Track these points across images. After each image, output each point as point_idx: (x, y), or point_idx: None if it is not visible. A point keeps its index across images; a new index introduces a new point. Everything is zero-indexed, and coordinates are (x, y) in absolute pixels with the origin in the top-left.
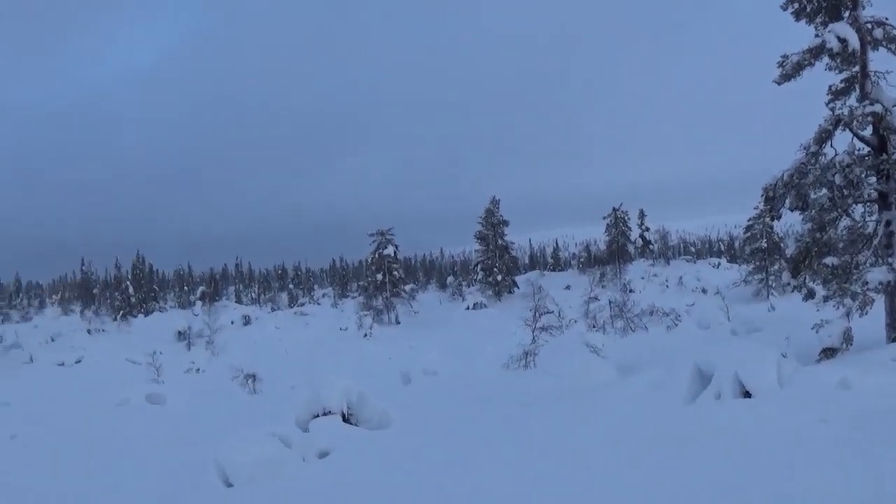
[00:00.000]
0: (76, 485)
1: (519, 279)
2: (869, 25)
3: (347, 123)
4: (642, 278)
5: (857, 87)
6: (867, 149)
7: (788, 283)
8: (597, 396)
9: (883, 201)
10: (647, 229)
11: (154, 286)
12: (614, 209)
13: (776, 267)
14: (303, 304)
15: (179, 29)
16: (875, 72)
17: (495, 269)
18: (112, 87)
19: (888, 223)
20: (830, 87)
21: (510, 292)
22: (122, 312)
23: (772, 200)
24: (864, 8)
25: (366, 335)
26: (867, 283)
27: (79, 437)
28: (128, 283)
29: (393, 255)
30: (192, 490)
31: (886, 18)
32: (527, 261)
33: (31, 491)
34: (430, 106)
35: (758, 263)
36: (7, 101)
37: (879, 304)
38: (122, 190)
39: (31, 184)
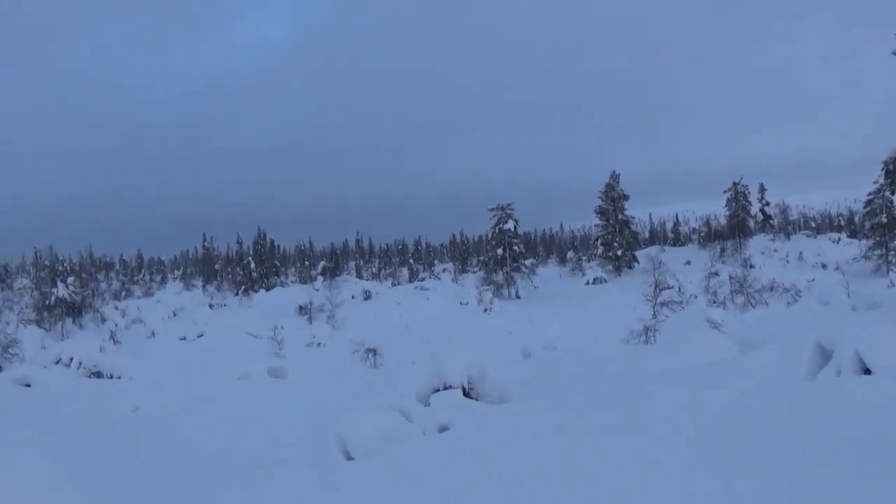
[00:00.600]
0: (195, 457)
1: (639, 254)
2: None
3: (468, 100)
4: (762, 253)
5: None
6: None
7: None
8: (717, 372)
9: None
10: (768, 203)
11: (275, 261)
12: (734, 183)
13: None
14: (423, 279)
15: (311, 3)
16: None
17: (615, 244)
18: (244, 64)
19: None
20: None
21: (630, 267)
22: (243, 287)
23: (892, 174)
24: None
25: (486, 310)
26: None
27: (200, 410)
28: (249, 258)
29: (513, 229)
30: (313, 463)
31: None
32: (647, 235)
33: (153, 462)
34: (551, 82)
35: (878, 239)
36: (146, 83)
37: None
38: (246, 166)
39: (156, 162)
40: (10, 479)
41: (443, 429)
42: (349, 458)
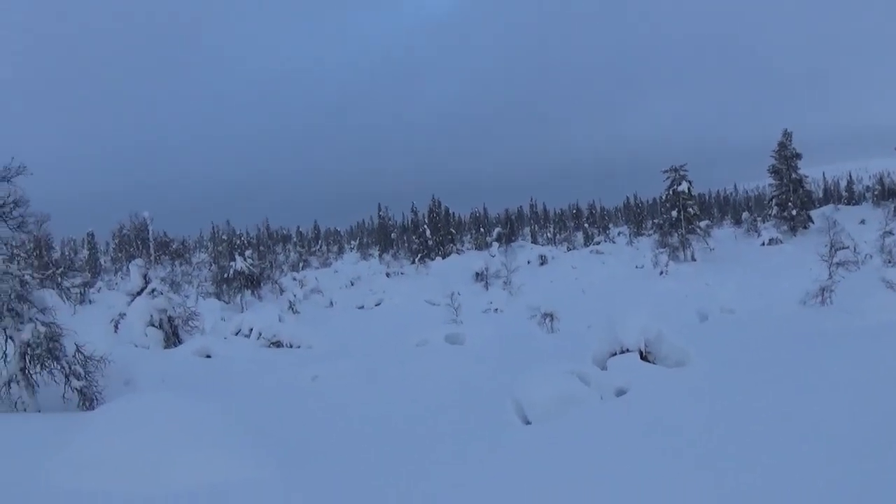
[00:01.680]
0: (372, 424)
1: (813, 213)
2: None
3: (640, 63)
4: None
5: None
6: None
7: None
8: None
9: None
10: None
11: (450, 229)
12: None
13: None
14: (598, 243)
15: None
16: None
17: (789, 204)
18: (414, 36)
19: None
20: None
21: (805, 227)
22: (419, 255)
23: None
24: None
25: (661, 273)
26: None
27: (379, 377)
28: (425, 226)
29: (687, 191)
30: (492, 428)
31: None
32: (820, 195)
33: (333, 429)
34: (721, 44)
35: None
36: (324, 59)
37: None
38: (419, 136)
39: (332, 135)
40: (199, 445)
41: (620, 392)
42: (527, 422)
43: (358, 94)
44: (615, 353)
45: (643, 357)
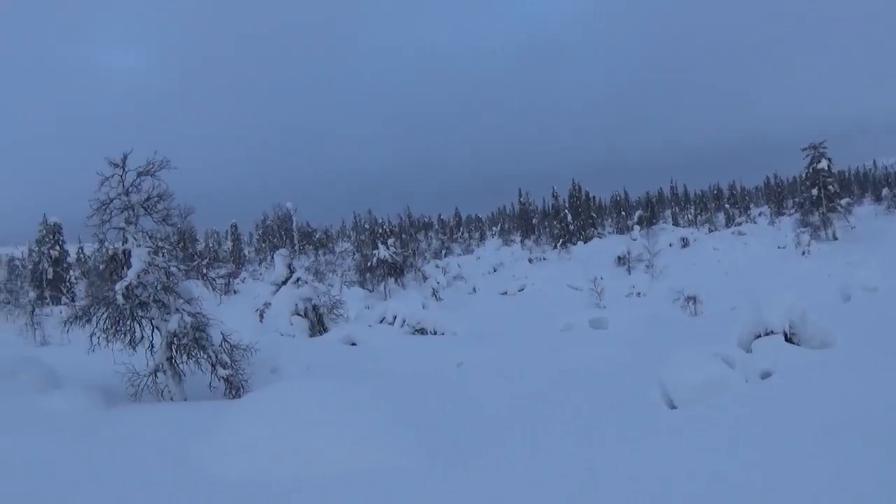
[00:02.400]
0: (519, 408)
1: None
2: None
3: (776, 41)
4: None
5: None
6: None
7: None
8: None
9: None
10: None
11: (591, 213)
12: None
13: None
14: (739, 224)
15: None
16: None
17: None
18: (558, 23)
19: None
20: None
21: None
22: (561, 240)
23: None
24: None
25: (803, 253)
26: None
27: (524, 363)
28: (566, 211)
29: (827, 168)
30: (637, 412)
31: None
32: None
33: (480, 416)
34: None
35: None
36: (465, 44)
37: None
38: (557, 120)
39: (472, 122)
40: (346, 431)
41: (765, 375)
42: (672, 406)
43: (503, 80)
44: (759, 335)
45: (787, 339)
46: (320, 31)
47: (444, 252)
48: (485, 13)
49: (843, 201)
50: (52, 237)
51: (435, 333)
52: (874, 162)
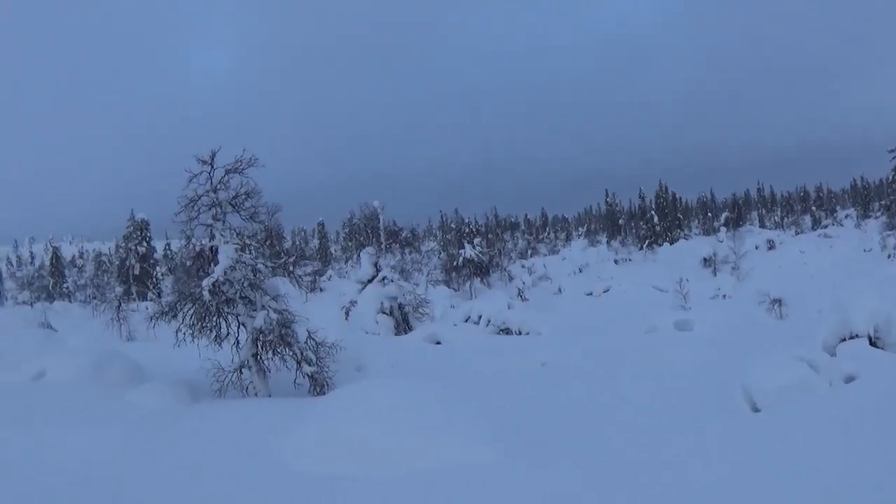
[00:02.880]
0: (601, 409)
1: None
2: None
3: (862, 38)
4: None
5: None
6: None
7: None
8: None
9: None
10: None
11: (678, 214)
12: None
13: None
14: (825, 226)
15: None
16: None
17: None
18: (633, 19)
19: None
20: None
21: None
22: (647, 242)
23: None
24: None
25: (889, 256)
26: None
27: (608, 363)
28: (652, 212)
29: None
30: (720, 413)
31: None
32: None
33: (564, 415)
34: None
35: None
36: (545, 42)
37: None
38: (645, 121)
39: (555, 120)
40: (430, 428)
41: (849, 379)
42: (755, 409)
43: (584, 78)
44: (844, 339)
45: (872, 343)
46: (408, 29)
47: (529, 252)
48: (566, 10)
49: None
50: (139, 233)
51: (520, 333)
52: None
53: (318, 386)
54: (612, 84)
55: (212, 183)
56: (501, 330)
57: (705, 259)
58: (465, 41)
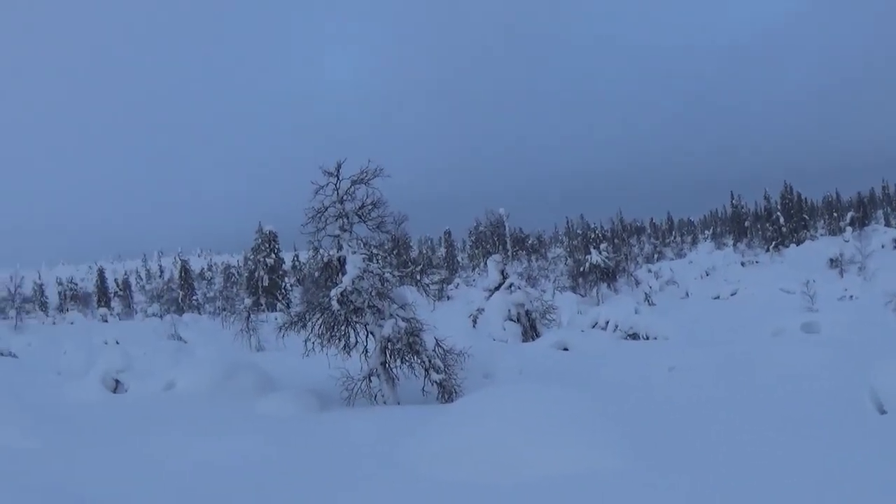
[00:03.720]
0: (727, 412)
1: None
2: None
3: None
4: None
5: None
6: None
7: None
8: None
9: None
10: None
11: (803, 215)
12: None
13: None
14: None
15: None
16: None
17: None
18: (764, 21)
19: None
20: None
21: None
22: (773, 243)
23: None
24: None
25: None
26: None
27: (735, 367)
28: (778, 213)
29: None
30: (845, 416)
31: None
32: None
33: (692, 421)
34: None
35: None
36: (674, 42)
37: None
38: (775, 122)
39: (682, 122)
40: (559, 435)
41: None
42: (882, 411)
43: (714, 79)
44: None
45: None
46: (530, 29)
47: (656, 256)
48: (699, 11)
49: None
50: (267, 245)
51: (647, 338)
52: None
53: (447, 393)
54: (742, 84)
55: (338, 194)
56: (628, 335)
57: (832, 260)
58: (590, 42)
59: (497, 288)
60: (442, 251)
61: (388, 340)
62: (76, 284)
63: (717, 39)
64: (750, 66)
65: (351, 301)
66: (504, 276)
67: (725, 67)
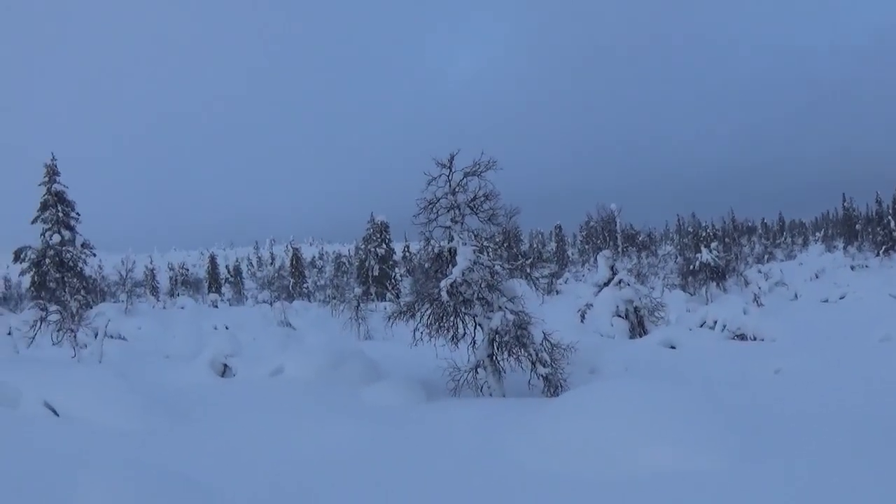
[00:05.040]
0: (833, 420)
1: None
2: None
3: None
4: None
5: None
6: None
7: None
8: None
9: None
10: None
11: None
12: None
13: None
14: None
15: None
16: None
17: None
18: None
19: None
20: None
21: None
22: (884, 248)
23: None
24: None
25: None
26: None
27: (842, 372)
28: (889, 217)
29: None
30: None
31: None
32: None
33: (796, 425)
34: None
35: None
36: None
37: None
38: (890, 123)
39: (801, 123)
40: (664, 431)
41: None
42: None
43: (843, 80)
44: None
45: None
46: (652, 29)
47: (766, 257)
48: (824, 13)
49: None
50: (378, 235)
51: (754, 339)
52: None
53: (552, 387)
54: (855, 87)
55: (450, 185)
56: (736, 335)
57: None
58: (715, 39)
59: (606, 283)
60: (552, 245)
61: (496, 333)
62: (187, 270)
63: (835, 40)
64: (865, 66)
65: (460, 292)
66: (613, 271)
67: (842, 68)
